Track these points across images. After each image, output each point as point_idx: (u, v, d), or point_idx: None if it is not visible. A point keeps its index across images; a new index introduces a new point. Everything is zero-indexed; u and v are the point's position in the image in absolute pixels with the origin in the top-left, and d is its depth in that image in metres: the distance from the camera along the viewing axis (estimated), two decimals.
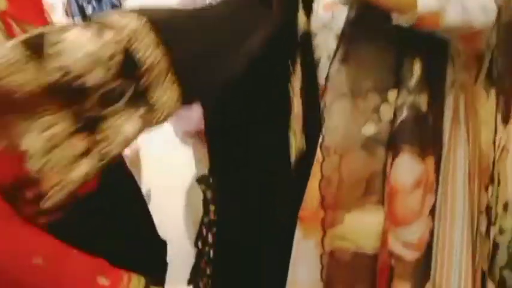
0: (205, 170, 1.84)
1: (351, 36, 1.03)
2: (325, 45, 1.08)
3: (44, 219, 0.73)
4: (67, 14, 1.82)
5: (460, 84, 1.08)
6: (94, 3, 1.91)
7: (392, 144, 1.02)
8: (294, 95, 1.08)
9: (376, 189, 1.05)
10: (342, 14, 1.06)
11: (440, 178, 1.07)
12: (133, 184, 0.98)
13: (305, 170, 1.09)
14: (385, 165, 1.03)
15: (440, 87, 1.04)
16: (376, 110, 1.00)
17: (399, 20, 0.95)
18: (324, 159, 1.05)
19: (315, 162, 1.06)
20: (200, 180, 1.86)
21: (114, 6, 1.98)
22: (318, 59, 1.10)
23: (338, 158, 1.04)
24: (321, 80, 1.08)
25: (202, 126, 1.66)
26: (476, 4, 0.93)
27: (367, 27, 1.01)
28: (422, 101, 1.00)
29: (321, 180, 1.06)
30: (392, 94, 1.00)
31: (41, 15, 0.86)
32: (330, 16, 1.08)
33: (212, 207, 1.78)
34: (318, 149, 1.06)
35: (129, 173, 0.98)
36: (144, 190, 2.09)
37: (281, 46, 1.02)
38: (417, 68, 0.99)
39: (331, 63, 1.05)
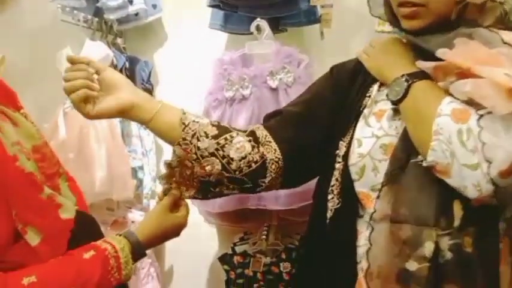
0: (228, 249, 1.85)
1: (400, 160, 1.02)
2: None
3: None
4: None
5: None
6: None
7: (434, 284, 0.97)
8: None
9: None
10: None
11: None
12: None
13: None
14: None
15: (490, 224, 0.98)
16: (410, 243, 0.97)
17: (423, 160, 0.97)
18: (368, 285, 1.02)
19: None
20: (222, 259, 1.88)
21: None
22: None
23: (380, 283, 1.01)
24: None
25: (224, 209, 1.70)
26: (470, 182, 0.92)
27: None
28: (466, 242, 0.96)
29: None
30: (431, 232, 0.96)
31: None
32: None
33: None
34: (362, 277, 1.04)
35: None
36: (166, 266, 2.11)
37: None
38: (458, 209, 0.96)
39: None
